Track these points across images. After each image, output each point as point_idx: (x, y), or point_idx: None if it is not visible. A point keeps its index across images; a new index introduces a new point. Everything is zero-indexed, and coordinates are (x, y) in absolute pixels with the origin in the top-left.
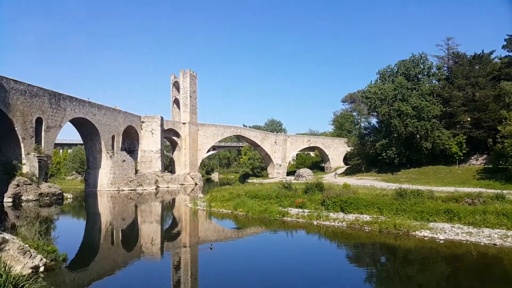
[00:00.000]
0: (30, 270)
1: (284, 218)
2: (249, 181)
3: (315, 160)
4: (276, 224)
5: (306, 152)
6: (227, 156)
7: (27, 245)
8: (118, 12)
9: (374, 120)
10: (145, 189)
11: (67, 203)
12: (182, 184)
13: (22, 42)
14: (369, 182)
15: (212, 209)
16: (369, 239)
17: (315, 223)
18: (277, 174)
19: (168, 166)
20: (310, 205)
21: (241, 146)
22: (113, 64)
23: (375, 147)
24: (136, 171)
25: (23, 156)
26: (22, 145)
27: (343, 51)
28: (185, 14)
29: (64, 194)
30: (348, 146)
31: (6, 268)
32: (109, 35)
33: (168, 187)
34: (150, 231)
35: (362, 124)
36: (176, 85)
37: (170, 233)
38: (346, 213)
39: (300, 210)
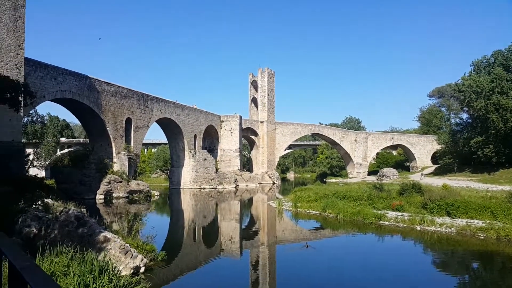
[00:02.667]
0: (131, 271)
1: (381, 221)
2: (327, 180)
3: (398, 159)
4: (371, 228)
5: (387, 151)
6: (302, 155)
7: (128, 244)
8: (196, 14)
9: (465, 116)
10: (225, 188)
11: (154, 200)
12: (260, 183)
13: (107, 46)
14: (464, 183)
15: (298, 209)
16: (486, 247)
17: (418, 228)
18: (357, 173)
19: (246, 164)
20: (409, 208)
21: (318, 145)
22: (192, 65)
23: (469, 145)
24: (217, 170)
25: (114, 155)
26: (113, 144)
27: (428, 43)
28: (262, 13)
29: (151, 191)
30: (438, 143)
31: (115, 270)
32: (187, 36)
33: (247, 185)
34: (234, 229)
35: (453, 120)
36: (254, 84)
37: (256, 233)
38: (453, 218)
39: (398, 213)
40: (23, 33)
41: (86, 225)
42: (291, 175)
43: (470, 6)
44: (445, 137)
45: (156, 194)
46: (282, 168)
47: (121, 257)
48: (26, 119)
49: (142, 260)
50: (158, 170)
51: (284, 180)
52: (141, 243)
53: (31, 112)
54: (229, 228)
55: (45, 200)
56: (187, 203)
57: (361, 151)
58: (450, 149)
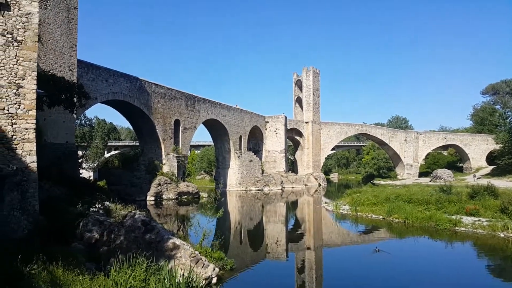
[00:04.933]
0: (204, 282)
1: (456, 228)
2: (376, 182)
3: (450, 160)
4: (445, 235)
5: (438, 151)
6: (345, 156)
7: (197, 252)
8: (238, 15)
9: None
10: (271, 189)
11: (202, 202)
12: (306, 185)
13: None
14: None
15: (358, 213)
16: None
17: (501, 235)
18: (407, 175)
19: (291, 166)
20: (485, 213)
21: (362, 146)
22: (235, 65)
23: None
24: (262, 171)
25: (163, 156)
26: (162, 146)
27: (480, 38)
28: (306, 12)
29: (200, 193)
30: (496, 143)
31: (193, 280)
32: (229, 36)
33: (292, 187)
34: (302, 234)
35: None
36: (299, 84)
37: (319, 237)
38: None
39: (475, 218)
40: (76, 35)
41: (153, 230)
42: (334, 177)
43: None
44: (504, 136)
45: (204, 195)
46: (325, 169)
47: (192, 266)
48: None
49: (213, 269)
50: (202, 172)
51: (327, 181)
52: (209, 250)
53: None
54: (296, 232)
55: (106, 203)
56: (233, 205)
57: (412, 151)
58: (510, 149)
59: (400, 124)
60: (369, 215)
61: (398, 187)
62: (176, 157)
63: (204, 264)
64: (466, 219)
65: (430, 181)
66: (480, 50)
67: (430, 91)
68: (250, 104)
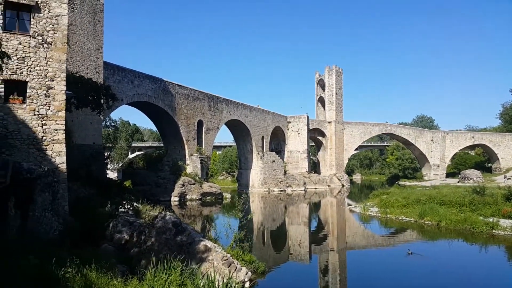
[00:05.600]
0: (236, 286)
1: (494, 231)
2: (401, 183)
3: (478, 160)
4: (481, 238)
5: (465, 151)
6: (368, 156)
7: (229, 255)
8: (257, 15)
9: None
10: (294, 190)
11: (225, 202)
12: (329, 186)
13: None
14: None
15: (388, 216)
16: None
17: None
18: (434, 175)
19: (313, 166)
20: None
21: (387, 146)
22: (255, 65)
23: None
24: (285, 172)
25: (186, 157)
26: (186, 146)
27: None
28: (327, 10)
29: (223, 193)
30: None
31: (230, 286)
32: (249, 36)
33: (315, 188)
34: (333, 238)
35: None
36: (321, 83)
37: (344, 241)
38: None
39: None
40: (101, 37)
41: (184, 232)
42: (357, 178)
43: None
44: None
45: (227, 196)
46: (347, 170)
47: (225, 269)
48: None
49: (246, 273)
50: (223, 172)
51: (350, 182)
52: (240, 253)
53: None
54: (321, 234)
55: (134, 204)
56: (256, 206)
57: (438, 151)
58: None
59: (425, 123)
60: (400, 218)
61: (428, 188)
62: (199, 158)
63: (236, 267)
64: (504, 222)
65: (458, 182)
66: (510, 45)
67: (456, 88)
68: (271, 105)
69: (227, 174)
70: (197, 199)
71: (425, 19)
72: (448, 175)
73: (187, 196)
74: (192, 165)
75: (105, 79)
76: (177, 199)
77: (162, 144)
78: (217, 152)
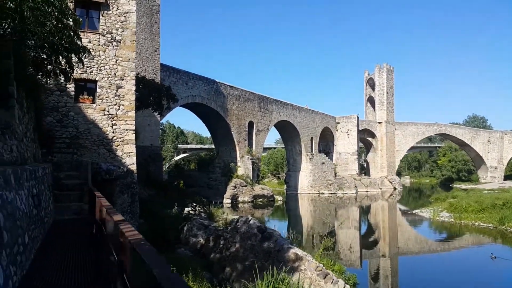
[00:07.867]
0: None
1: None
2: (455, 186)
3: None
4: None
5: None
6: (417, 158)
7: (322, 265)
8: (306, 12)
9: None
10: (345, 193)
11: (277, 205)
12: (380, 189)
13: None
14: None
15: (462, 221)
16: None
17: None
18: (491, 178)
19: (362, 169)
20: None
21: (438, 147)
22: (302, 64)
23: None
24: (335, 174)
25: (238, 159)
26: (237, 148)
27: None
28: (376, 8)
29: (274, 196)
30: None
31: None
32: (296, 35)
33: (367, 191)
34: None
35: None
36: (370, 82)
37: (424, 247)
38: None
39: None
40: (158, 38)
41: (271, 238)
42: (406, 180)
43: None
44: None
45: (279, 199)
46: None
47: (320, 281)
48: None
49: (344, 286)
50: (269, 174)
51: None
52: (330, 262)
53: None
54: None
55: (206, 206)
56: (307, 209)
57: (496, 152)
58: None
59: (478, 123)
60: (475, 223)
61: (497, 191)
62: (250, 159)
63: (333, 279)
64: None
65: None
66: None
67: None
68: (319, 105)
69: (272, 176)
70: (249, 201)
71: (481, 18)
72: (506, 177)
73: (239, 198)
74: (243, 167)
75: (162, 80)
76: (229, 201)
77: (207, 146)
78: (263, 154)
